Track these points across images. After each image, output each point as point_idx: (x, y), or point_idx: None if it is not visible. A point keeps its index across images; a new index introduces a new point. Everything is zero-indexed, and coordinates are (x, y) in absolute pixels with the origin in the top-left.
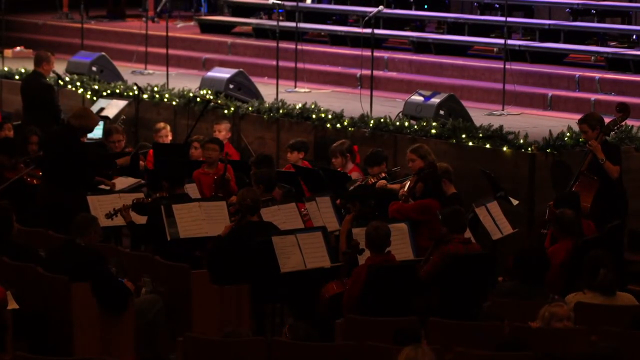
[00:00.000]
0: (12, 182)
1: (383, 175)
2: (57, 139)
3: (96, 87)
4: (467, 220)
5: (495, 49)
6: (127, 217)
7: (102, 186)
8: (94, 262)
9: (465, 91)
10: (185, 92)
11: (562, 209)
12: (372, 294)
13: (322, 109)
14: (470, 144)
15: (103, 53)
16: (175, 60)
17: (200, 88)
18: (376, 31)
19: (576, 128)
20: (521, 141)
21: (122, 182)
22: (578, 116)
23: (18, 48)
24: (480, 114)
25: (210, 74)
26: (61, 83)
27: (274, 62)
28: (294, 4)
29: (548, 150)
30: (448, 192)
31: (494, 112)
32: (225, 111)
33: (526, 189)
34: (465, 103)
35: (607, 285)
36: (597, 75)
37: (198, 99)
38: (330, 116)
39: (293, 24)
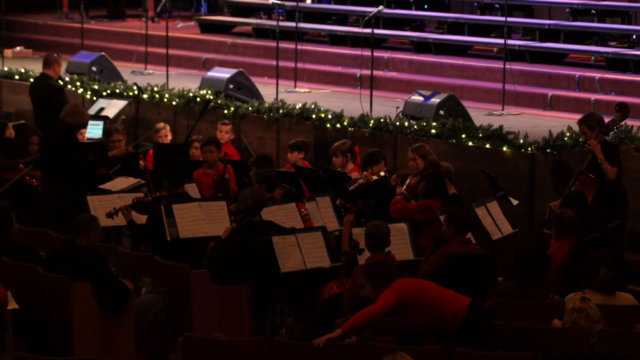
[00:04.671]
0: (12, 183)
1: (383, 174)
2: (54, 137)
3: (96, 87)
4: (472, 222)
5: (495, 49)
6: (127, 217)
7: (103, 186)
8: (94, 262)
9: (465, 91)
10: (185, 92)
11: (562, 209)
12: None
13: (322, 109)
14: (470, 144)
15: (103, 53)
16: (175, 60)
17: (200, 88)
18: (376, 31)
19: (576, 128)
20: (521, 141)
21: (122, 182)
22: (578, 116)
23: (18, 48)
24: (480, 114)
25: (210, 74)
26: (61, 83)
27: (274, 62)
28: (294, 4)
29: (548, 150)
30: (448, 192)
31: (494, 112)
32: (225, 111)
33: (526, 189)
34: (465, 103)
35: (607, 284)
36: (597, 75)
37: (198, 99)
38: (330, 116)
39: (293, 24)
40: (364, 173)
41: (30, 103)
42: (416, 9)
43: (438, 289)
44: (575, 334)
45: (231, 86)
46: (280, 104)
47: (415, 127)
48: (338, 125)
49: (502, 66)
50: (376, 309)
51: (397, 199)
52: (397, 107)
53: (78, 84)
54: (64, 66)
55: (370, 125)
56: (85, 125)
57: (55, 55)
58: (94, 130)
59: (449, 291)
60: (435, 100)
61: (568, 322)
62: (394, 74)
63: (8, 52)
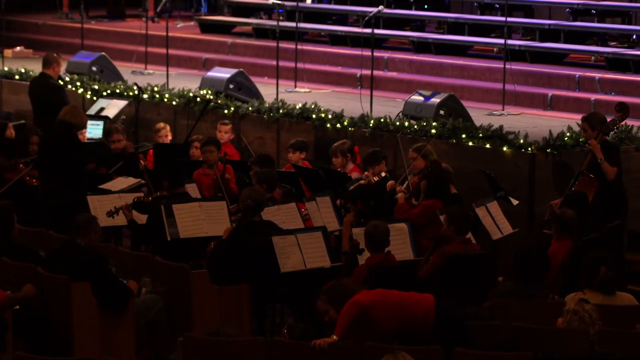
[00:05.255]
0: (12, 183)
1: (384, 174)
2: (54, 137)
3: (96, 87)
4: (472, 222)
5: (495, 49)
6: (128, 216)
7: (103, 186)
8: (94, 262)
9: (465, 91)
10: (185, 92)
11: (562, 209)
12: None
13: (322, 109)
14: (470, 144)
15: (103, 53)
16: (175, 60)
17: (200, 88)
18: (376, 31)
19: (576, 128)
20: (521, 141)
21: (122, 182)
22: (578, 116)
23: (18, 48)
24: (480, 114)
25: (210, 74)
26: (61, 83)
27: (274, 62)
28: (294, 4)
29: (548, 150)
30: (450, 192)
31: (494, 112)
32: (225, 111)
33: (526, 189)
34: (465, 103)
35: (607, 284)
36: (597, 75)
37: (198, 99)
38: (330, 116)
39: (293, 24)
40: (365, 173)
41: (30, 103)
42: (416, 9)
43: (400, 293)
44: (575, 334)
45: (231, 86)
46: (280, 104)
47: (415, 127)
48: (338, 125)
49: (502, 66)
50: (355, 301)
51: (403, 208)
52: (398, 114)
53: (78, 84)
54: (63, 66)
55: (370, 125)
56: (83, 127)
57: (55, 55)
58: (94, 130)
59: (411, 293)
60: (435, 100)
61: (564, 323)
62: (394, 74)
63: (8, 52)
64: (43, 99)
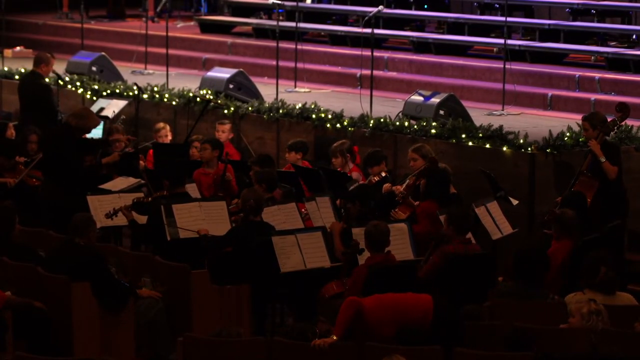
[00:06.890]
0: (16, 183)
1: (384, 174)
2: (53, 138)
3: (96, 87)
4: (472, 222)
5: (495, 49)
6: (128, 216)
7: (103, 186)
8: (94, 262)
9: (465, 91)
10: (185, 92)
11: (563, 209)
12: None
13: (322, 109)
14: (470, 144)
15: (103, 53)
16: (175, 60)
17: (200, 88)
18: (376, 31)
19: (576, 128)
20: (521, 141)
21: (122, 182)
22: (578, 116)
23: (18, 48)
24: (480, 114)
25: (210, 74)
26: (61, 83)
27: (274, 62)
28: (294, 4)
29: (548, 150)
30: (450, 191)
31: (494, 112)
32: (225, 111)
33: (526, 189)
34: (465, 103)
35: (607, 284)
36: (597, 75)
37: (198, 99)
38: (330, 116)
39: (293, 24)
40: (370, 178)
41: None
42: (416, 9)
43: (396, 296)
44: (575, 334)
45: (231, 86)
46: (280, 104)
47: (415, 127)
48: (338, 125)
49: (502, 66)
50: (352, 299)
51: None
52: (398, 114)
53: (78, 84)
54: (64, 66)
55: (370, 125)
56: (89, 131)
57: (49, 55)
58: (94, 131)
59: (408, 294)
60: (435, 100)
61: (581, 324)
62: (394, 74)
63: (8, 52)
64: (31, 95)
